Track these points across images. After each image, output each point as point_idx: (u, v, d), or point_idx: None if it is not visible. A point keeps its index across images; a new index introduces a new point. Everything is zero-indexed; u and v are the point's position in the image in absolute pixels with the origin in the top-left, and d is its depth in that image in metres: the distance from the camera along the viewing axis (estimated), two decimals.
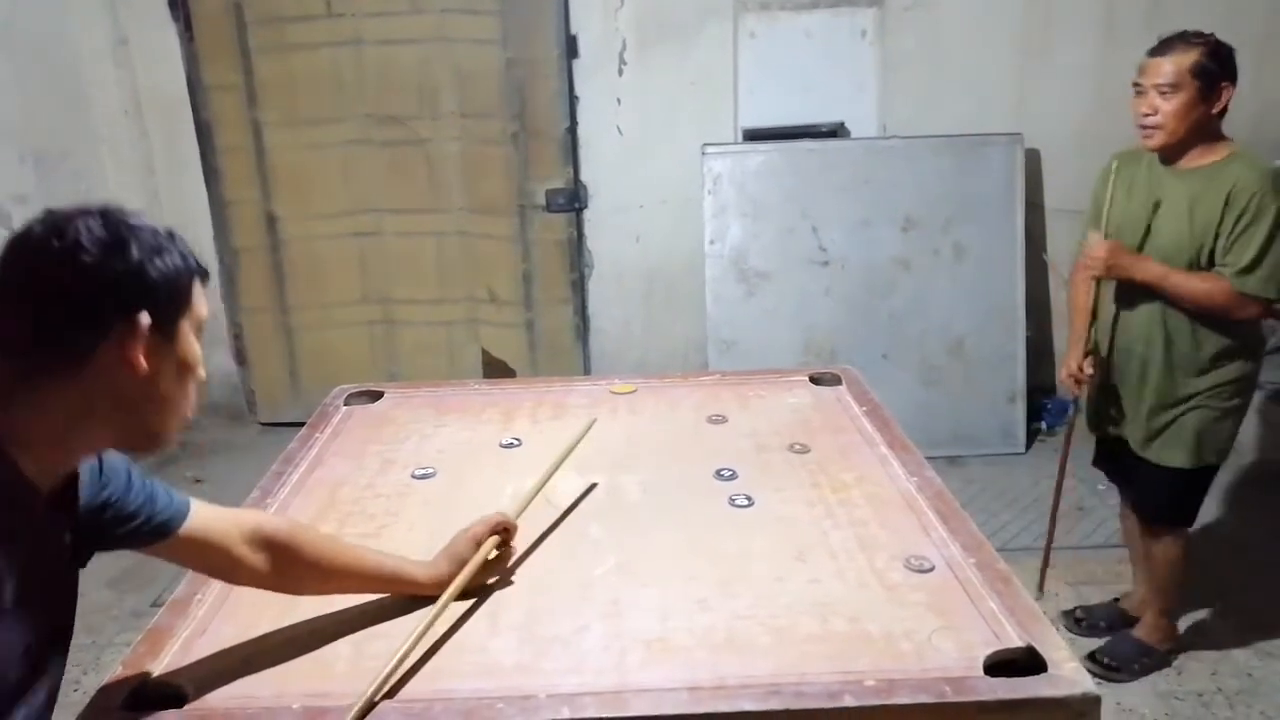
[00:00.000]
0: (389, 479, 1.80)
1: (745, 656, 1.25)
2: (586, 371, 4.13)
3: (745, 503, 1.67)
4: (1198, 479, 2.38)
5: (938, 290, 3.76)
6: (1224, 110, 2.16)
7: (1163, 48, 2.16)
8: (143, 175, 4.00)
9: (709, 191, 3.77)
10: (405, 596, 1.37)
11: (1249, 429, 3.64)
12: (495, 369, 4.16)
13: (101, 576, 3.12)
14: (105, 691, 1.22)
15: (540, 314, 4.11)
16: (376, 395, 2.22)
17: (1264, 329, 2.35)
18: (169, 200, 4.07)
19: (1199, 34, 2.16)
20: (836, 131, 3.80)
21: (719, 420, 2.04)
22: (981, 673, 1.20)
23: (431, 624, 1.25)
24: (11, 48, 3.35)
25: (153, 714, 1.18)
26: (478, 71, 3.83)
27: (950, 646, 1.26)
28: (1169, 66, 2.12)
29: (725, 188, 3.76)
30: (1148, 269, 2.21)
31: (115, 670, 1.27)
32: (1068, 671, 1.19)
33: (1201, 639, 2.61)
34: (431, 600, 1.30)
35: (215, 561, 1.25)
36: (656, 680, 1.21)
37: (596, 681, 1.21)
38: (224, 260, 4.12)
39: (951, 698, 1.16)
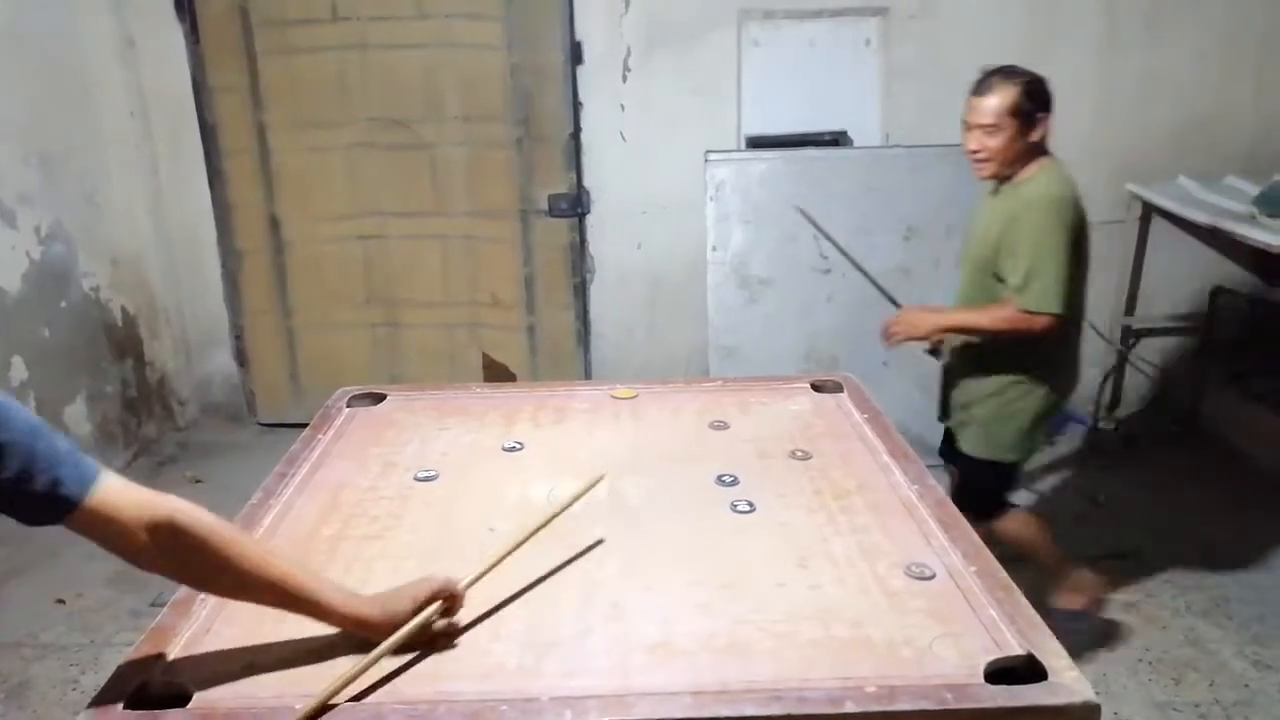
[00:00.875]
0: (391, 481, 1.81)
1: (747, 661, 1.26)
2: (587, 376, 4.13)
3: (747, 508, 1.67)
4: (988, 471, 2.54)
5: (938, 299, 3.72)
6: (1044, 136, 2.36)
7: (984, 88, 2.32)
8: (147, 176, 4.01)
9: (711, 198, 3.78)
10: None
11: (1252, 441, 3.66)
12: (496, 373, 4.16)
13: (100, 576, 3.12)
14: (108, 690, 1.21)
15: (542, 318, 4.11)
16: (379, 398, 2.23)
17: (1064, 343, 2.46)
18: (173, 201, 4.08)
19: (1016, 71, 2.32)
20: (839, 140, 3.81)
21: (721, 426, 2.04)
22: (982, 680, 1.21)
23: (353, 679, 1.18)
24: (18, 48, 3.37)
25: (156, 713, 1.18)
26: (482, 77, 3.84)
27: (951, 654, 1.26)
28: (990, 106, 2.30)
29: (728, 194, 3.77)
30: (946, 320, 2.43)
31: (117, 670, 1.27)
32: (1068, 680, 1.19)
33: (1199, 650, 2.62)
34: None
35: (117, 542, 1.17)
36: (659, 684, 1.21)
37: (599, 685, 1.21)
38: (227, 262, 4.13)
39: (953, 705, 1.16)
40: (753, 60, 3.83)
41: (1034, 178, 2.34)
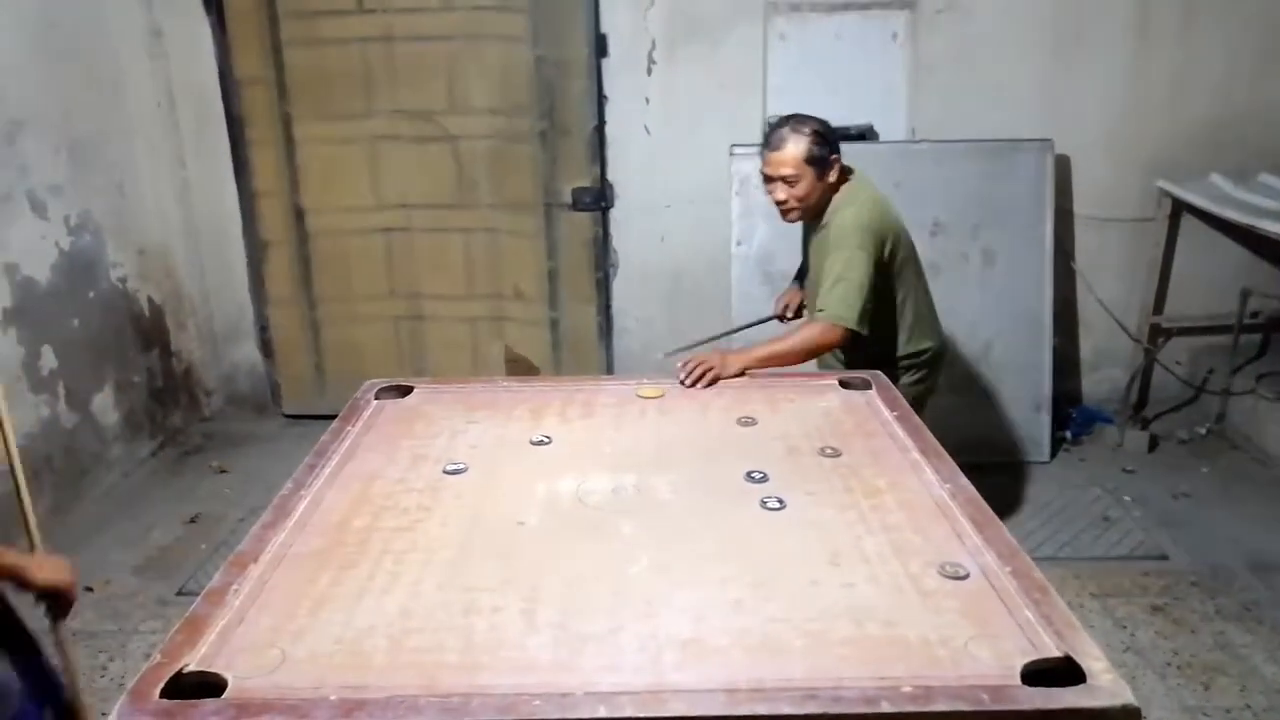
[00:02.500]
0: (421, 473, 1.81)
1: (781, 659, 1.25)
2: (609, 370, 4.13)
3: (777, 505, 1.66)
4: None
5: (965, 296, 3.73)
6: (841, 173, 2.48)
7: (775, 142, 2.43)
8: (174, 166, 4.03)
9: (736, 192, 3.77)
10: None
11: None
12: (519, 367, 4.16)
13: (127, 564, 3.15)
14: (144, 679, 1.22)
15: (564, 312, 4.11)
16: (406, 390, 2.23)
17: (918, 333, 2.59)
18: (199, 192, 4.10)
19: (802, 120, 2.43)
20: (866, 134, 3.78)
21: (749, 422, 2.04)
22: (1019, 682, 1.19)
23: None
24: (49, 39, 3.39)
25: (192, 702, 1.18)
26: (507, 69, 3.84)
27: (987, 654, 1.25)
28: (785, 160, 2.42)
29: (753, 189, 3.74)
30: (753, 356, 2.36)
31: (147, 658, 1.27)
32: (1106, 682, 1.18)
33: (1229, 655, 2.59)
34: None
35: None
36: (693, 681, 1.21)
37: (633, 681, 1.21)
38: (252, 252, 4.15)
39: (990, 706, 1.15)
40: (779, 53, 3.81)
41: (839, 211, 2.46)
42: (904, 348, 2.61)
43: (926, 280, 2.67)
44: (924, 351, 2.63)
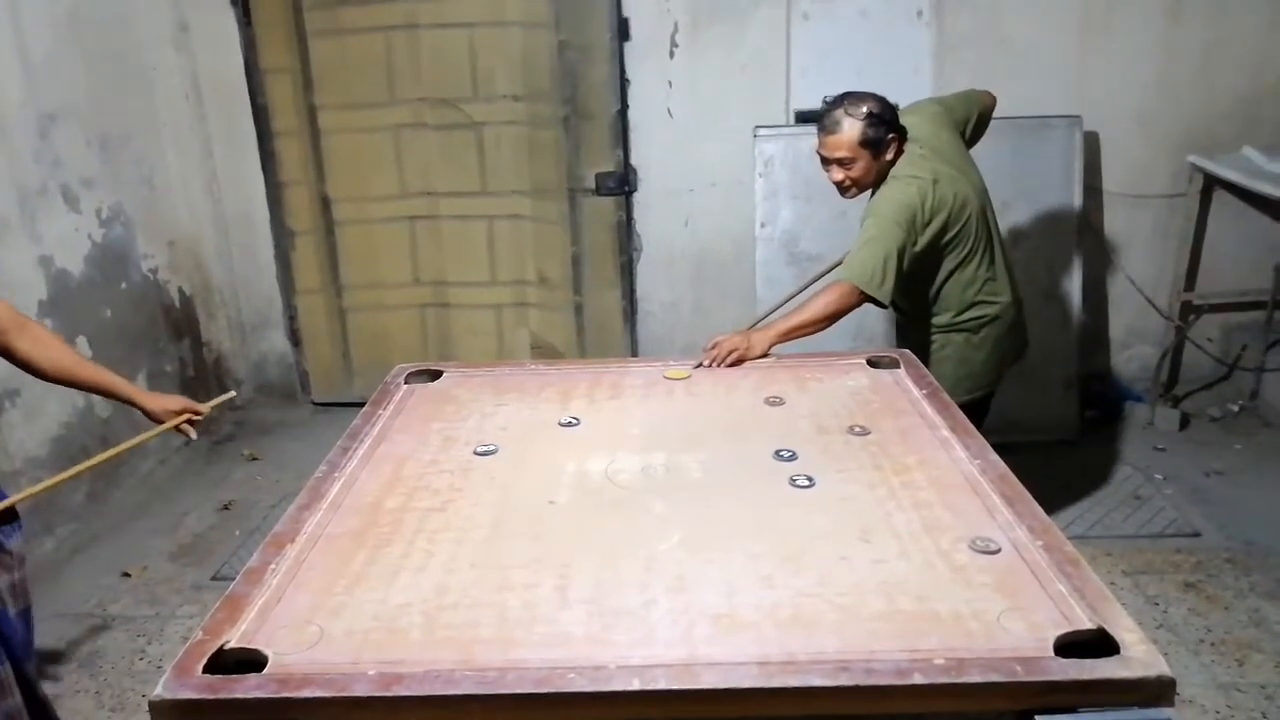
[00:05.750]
0: (452, 455, 1.83)
1: (812, 633, 1.26)
2: (634, 354, 4.14)
3: (806, 483, 1.67)
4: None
5: None
6: (898, 152, 2.43)
7: (830, 125, 2.40)
8: (202, 158, 4.07)
9: (760, 174, 3.75)
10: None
11: None
12: (544, 354, 4.18)
13: (163, 551, 3.20)
14: (187, 655, 1.24)
15: (589, 297, 4.12)
16: (436, 374, 2.26)
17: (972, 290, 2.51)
18: (226, 183, 4.14)
19: (858, 100, 2.38)
20: None
21: (777, 402, 2.04)
22: (1052, 653, 1.19)
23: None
24: (79, 33, 3.43)
25: (234, 677, 1.21)
26: (530, 55, 3.84)
27: (1020, 627, 1.25)
28: (840, 143, 2.39)
29: (777, 170, 3.74)
30: (778, 331, 2.37)
31: (184, 641, 1.30)
32: (1140, 653, 1.18)
33: (1263, 631, 2.56)
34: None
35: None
36: (725, 654, 1.22)
37: (666, 654, 1.22)
38: (279, 242, 4.18)
39: (1023, 677, 1.15)
40: (802, 34, 3.78)
41: (886, 185, 2.43)
42: (961, 313, 2.53)
43: (999, 242, 2.57)
44: (983, 316, 2.54)
